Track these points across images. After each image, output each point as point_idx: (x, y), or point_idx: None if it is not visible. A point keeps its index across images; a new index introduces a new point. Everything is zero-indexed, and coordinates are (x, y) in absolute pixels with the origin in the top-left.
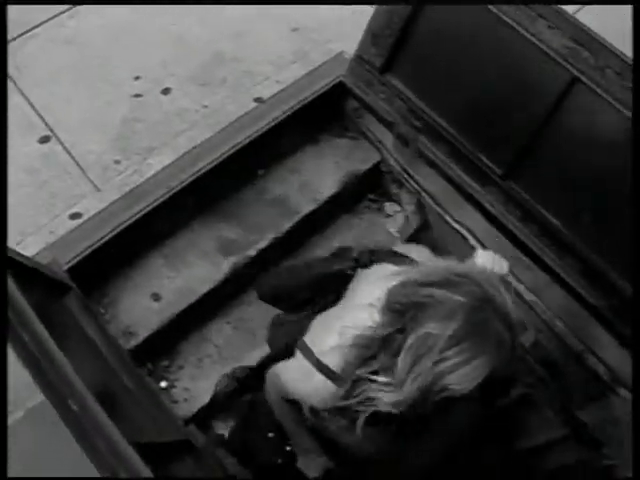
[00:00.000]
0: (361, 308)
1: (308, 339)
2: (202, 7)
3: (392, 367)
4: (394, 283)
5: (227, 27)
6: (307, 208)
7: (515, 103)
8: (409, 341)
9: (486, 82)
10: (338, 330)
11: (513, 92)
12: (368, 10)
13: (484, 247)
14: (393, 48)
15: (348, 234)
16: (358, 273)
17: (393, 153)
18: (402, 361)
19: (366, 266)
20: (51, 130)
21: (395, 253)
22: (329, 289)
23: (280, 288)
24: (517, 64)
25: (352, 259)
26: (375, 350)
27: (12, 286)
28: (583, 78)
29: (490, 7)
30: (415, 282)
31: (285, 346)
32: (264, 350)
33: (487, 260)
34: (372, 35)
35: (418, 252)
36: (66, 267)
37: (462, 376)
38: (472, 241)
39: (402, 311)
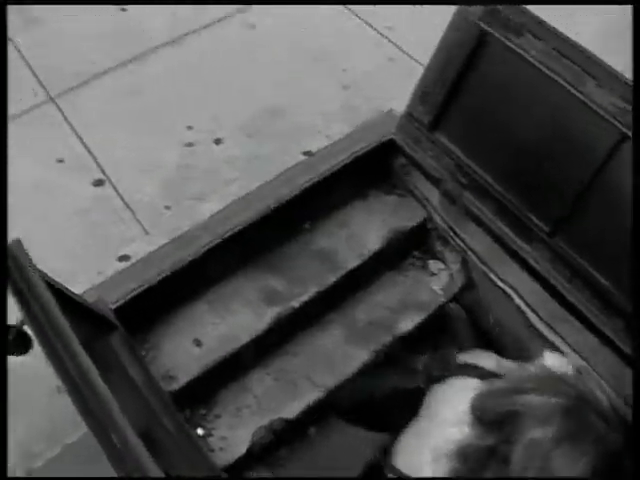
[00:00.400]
0: (449, 423)
1: (399, 462)
2: (255, 59)
3: (505, 475)
4: (479, 394)
5: (279, 81)
6: (352, 263)
7: (563, 160)
8: (516, 450)
9: (534, 139)
10: (431, 448)
11: (561, 149)
12: (418, 69)
13: (529, 307)
14: (442, 106)
15: (392, 291)
16: (433, 388)
17: (439, 210)
18: (514, 470)
19: (439, 380)
20: (104, 173)
21: (466, 365)
22: (404, 405)
23: (355, 405)
24: (566, 122)
25: (423, 373)
26: (478, 463)
27: (60, 316)
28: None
29: (540, 66)
30: (504, 391)
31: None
32: (304, 402)
33: (556, 362)
34: (422, 93)
35: (487, 359)
36: (112, 307)
37: (570, 474)
38: (517, 300)
39: (499, 422)
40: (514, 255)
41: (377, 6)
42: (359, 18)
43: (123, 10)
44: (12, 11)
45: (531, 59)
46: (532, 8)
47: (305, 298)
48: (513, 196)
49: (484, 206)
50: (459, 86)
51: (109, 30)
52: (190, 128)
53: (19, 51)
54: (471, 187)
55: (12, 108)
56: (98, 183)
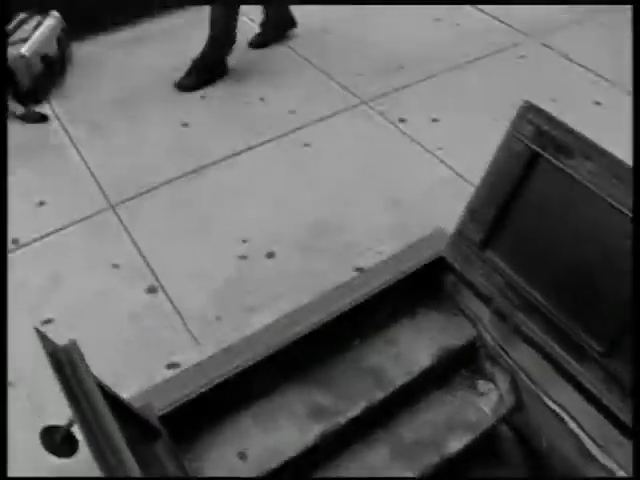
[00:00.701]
0: None
1: None
2: (309, 175)
3: None
4: None
5: (332, 198)
6: (400, 381)
7: (615, 280)
8: None
9: (584, 258)
10: None
11: (613, 269)
12: (469, 188)
13: (583, 430)
14: (492, 225)
15: (440, 410)
16: None
17: (489, 329)
18: None
19: None
20: (158, 281)
21: None
22: None
23: None
24: (617, 242)
25: None
26: None
27: (110, 418)
28: None
29: (591, 187)
30: None
31: None
32: None
33: None
34: (472, 212)
35: None
36: (158, 414)
37: None
38: (570, 423)
39: None
40: (566, 375)
41: (429, 127)
42: (411, 139)
43: (185, 126)
44: (79, 123)
45: (582, 179)
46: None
47: (352, 414)
48: (564, 315)
49: (535, 325)
50: (509, 205)
51: (170, 144)
52: (244, 241)
53: (84, 160)
54: (522, 305)
55: (74, 214)
56: (151, 290)
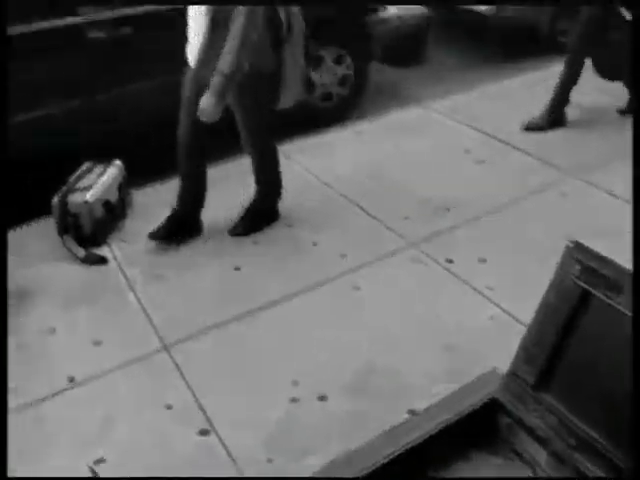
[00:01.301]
0: None
1: None
2: (359, 318)
3: None
4: None
5: (383, 341)
6: None
7: None
8: None
9: None
10: None
11: None
12: (520, 327)
13: None
14: (545, 364)
15: None
16: None
17: (548, 472)
18: None
19: None
20: (210, 422)
21: None
22: None
23: None
24: None
25: None
26: None
27: None
28: None
29: None
30: None
31: None
32: None
33: None
34: (525, 351)
35: None
36: None
37: None
38: None
39: None
40: None
41: (477, 267)
42: (460, 279)
43: (237, 270)
44: (136, 266)
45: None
46: None
47: None
48: (624, 454)
49: (595, 466)
50: (561, 344)
51: (223, 288)
52: (295, 383)
53: (140, 302)
54: (580, 446)
55: (128, 354)
56: (203, 432)
